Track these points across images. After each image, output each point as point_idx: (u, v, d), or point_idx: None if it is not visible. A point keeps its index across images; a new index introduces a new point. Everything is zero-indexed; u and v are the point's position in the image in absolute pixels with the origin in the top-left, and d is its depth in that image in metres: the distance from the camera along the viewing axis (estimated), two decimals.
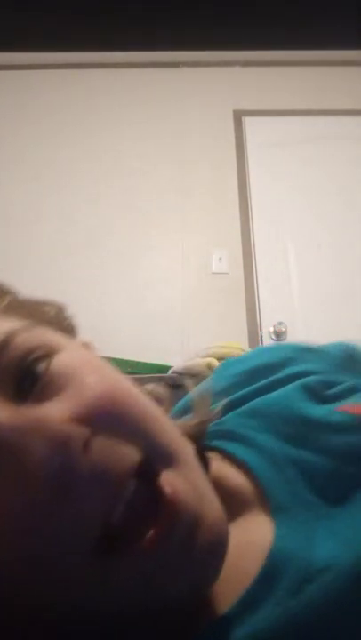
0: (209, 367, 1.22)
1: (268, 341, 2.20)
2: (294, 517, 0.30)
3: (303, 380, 0.38)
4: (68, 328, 0.36)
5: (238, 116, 2.71)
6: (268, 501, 0.32)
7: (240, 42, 2.70)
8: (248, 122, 2.69)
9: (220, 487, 0.31)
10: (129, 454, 0.26)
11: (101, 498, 0.25)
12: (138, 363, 1.41)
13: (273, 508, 0.31)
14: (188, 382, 0.41)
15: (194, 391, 0.41)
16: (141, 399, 0.30)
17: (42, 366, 0.28)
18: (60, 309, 0.37)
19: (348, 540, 0.28)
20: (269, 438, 0.35)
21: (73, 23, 2.51)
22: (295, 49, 2.73)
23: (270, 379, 0.40)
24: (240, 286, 2.37)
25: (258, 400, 0.38)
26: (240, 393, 0.40)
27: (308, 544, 0.28)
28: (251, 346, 2.10)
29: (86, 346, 0.36)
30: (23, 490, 0.24)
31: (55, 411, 0.26)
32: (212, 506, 0.28)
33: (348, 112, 2.67)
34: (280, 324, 2.25)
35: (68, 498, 0.24)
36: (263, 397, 0.38)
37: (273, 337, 2.22)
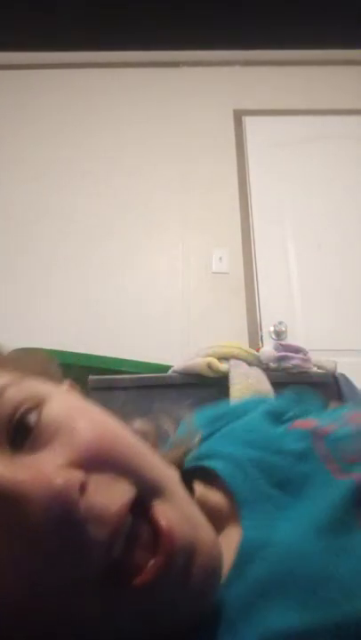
0: (209, 367, 1.22)
1: (268, 341, 2.20)
2: (257, 508, 0.34)
3: (265, 407, 0.44)
4: (53, 375, 0.38)
5: (238, 116, 2.70)
6: (234, 499, 0.35)
7: (240, 42, 2.69)
8: (248, 121, 2.69)
9: (204, 507, 0.34)
10: (123, 491, 0.28)
11: (102, 535, 0.26)
12: (138, 363, 1.41)
13: (239, 502, 0.35)
14: (166, 423, 0.45)
15: (178, 430, 0.46)
16: (128, 438, 0.32)
17: (32, 418, 0.30)
18: (44, 358, 0.40)
19: (300, 524, 0.32)
20: (234, 447, 0.40)
21: (73, 23, 2.51)
22: (295, 48, 2.73)
23: (237, 412, 0.47)
24: (240, 286, 2.37)
25: (228, 426, 0.44)
26: (213, 427, 0.45)
27: (269, 530, 0.32)
28: (251, 346, 2.10)
29: (71, 388, 0.38)
30: (27, 538, 0.26)
31: (49, 459, 0.28)
32: (205, 531, 0.30)
33: (348, 111, 2.67)
34: (280, 323, 2.25)
35: (70, 541, 0.26)
36: (232, 424, 0.44)
37: (273, 337, 2.22)
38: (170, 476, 0.32)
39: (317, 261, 2.40)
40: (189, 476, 0.39)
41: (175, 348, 2.07)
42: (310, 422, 0.40)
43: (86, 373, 1.22)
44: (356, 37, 2.62)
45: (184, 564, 0.28)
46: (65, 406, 0.32)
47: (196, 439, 0.43)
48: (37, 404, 0.31)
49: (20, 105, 2.73)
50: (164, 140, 2.66)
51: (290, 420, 0.43)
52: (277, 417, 0.43)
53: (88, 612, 0.27)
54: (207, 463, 0.39)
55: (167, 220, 2.51)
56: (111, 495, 0.28)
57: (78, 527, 0.26)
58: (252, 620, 0.28)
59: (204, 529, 0.30)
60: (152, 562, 0.27)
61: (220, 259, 2.41)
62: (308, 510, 0.33)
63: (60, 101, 2.74)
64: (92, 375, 1.22)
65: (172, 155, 2.62)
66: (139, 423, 0.42)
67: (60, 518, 0.25)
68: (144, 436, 0.37)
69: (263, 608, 0.28)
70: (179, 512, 0.29)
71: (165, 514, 0.28)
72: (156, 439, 0.42)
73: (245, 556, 0.31)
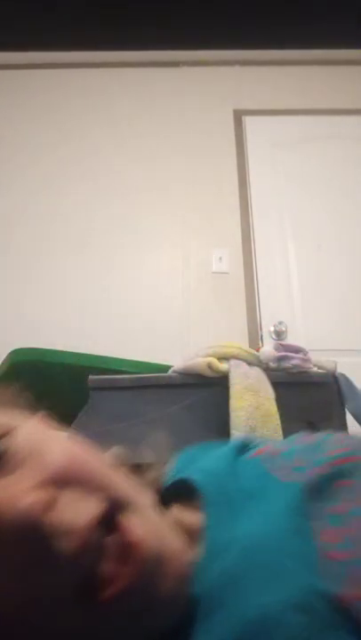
0: (209, 367, 1.22)
1: (268, 341, 2.20)
2: (223, 508, 0.37)
3: (234, 442, 0.49)
4: (24, 408, 0.40)
5: (239, 116, 2.71)
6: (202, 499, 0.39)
7: (240, 42, 2.69)
8: (248, 121, 2.69)
9: (181, 526, 0.37)
10: (92, 506, 0.30)
11: (71, 548, 0.28)
12: (138, 363, 1.41)
13: (206, 503, 0.38)
14: (146, 452, 0.48)
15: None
16: (96, 460, 0.35)
17: (1, 446, 0.32)
18: (15, 392, 0.42)
19: (259, 517, 0.35)
20: (206, 462, 0.44)
21: (73, 23, 2.51)
22: (295, 48, 2.73)
23: (211, 447, 0.51)
24: (240, 286, 2.37)
25: (203, 456, 0.49)
26: (191, 459, 0.49)
27: (231, 527, 0.35)
28: (251, 346, 2.10)
29: (42, 420, 0.40)
30: (3, 556, 0.28)
31: (19, 481, 0.30)
32: (173, 541, 0.33)
33: (348, 111, 2.67)
34: (280, 323, 2.25)
35: (42, 556, 0.28)
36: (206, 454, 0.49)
37: (273, 337, 2.22)
38: (136, 493, 0.35)
39: (317, 261, 2.40)
40: (168, 499, 0.41)
41: (175, 348, 2.07)
42: (268, 447, 0.46)
43: (86, 373, 1.22)
44: (357, 37, 2.62)
45: (153, 572, 0.29)
46: (35, 434, 0.34)
47: (171, 463, 0.47)
48: (7, 433, 0.33)
49: (19, 105, 2.73)
50: (164, 139, 2.66)
51: (253, 448, 0.47)
52: (243, 449, 0.48)
53: (70, 624, 0.28)
54: (182, 475, 0.43)
55: (167, 220, 2.51)
56: (80, 510, 0.29)
57: (47, 542, 0.27)
58: (226, 607, 0.30)
59: (171, 539, 0.33)
60: (122, 572, 0.28)
61: (220, 259, 2.42)
62: (264, 508, 0.36)
63: (59, 101, 2.74)
64: (92, 375, 1.22)
65: (172, 154, 2.62)
66: (115, 449, 0.44)
67: (29, 534, 0.27)
68: (119, 460, 0.40)
69: (234, 594, 0.31)
70: (146, 524, 0.31)
71: (133, 525, 0.30)
72: (132, 464, 0.45)
73: (211, 551, 0.34)
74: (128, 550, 0.29)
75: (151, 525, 0.32)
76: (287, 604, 0.29)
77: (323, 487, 0.36)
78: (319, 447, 0.41)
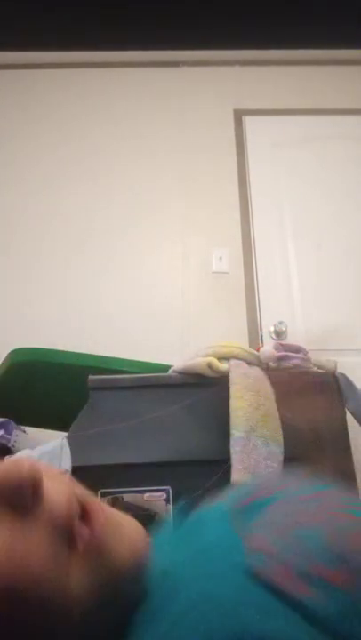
0: (209, 367, 1.22)
1: (268, 341, 2.20)
2: (175, 532, 0.46)
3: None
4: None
5: (239, 116, 2.70)
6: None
7: (240, 42, 2.69)
8: (248, 121, 2.69)
9: None
10: (67, 487, 0.40)
11: (64, 512, 0.37)
12: (138, 363, 1.41)
13: (162, 529, 0.47)
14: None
15: None
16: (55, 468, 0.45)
17: None
18: None
19: (190, 543, 0.43)
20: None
21: (73, 23, 2.51)
22: (295, 48, 2.73)
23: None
24: (240, 286, 2.37)
25: None
26: None
27: (172, 550, 0.42)
28: (251, 346, 2.10)
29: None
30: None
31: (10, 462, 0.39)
32: (129, 519, 0.43)
33: (348, 111, 2.67)
34: (280, 323, 2.25)
35: (40, 509, 0.36)
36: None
37: (273, 337, 2.21)
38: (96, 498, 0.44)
39: (317, 261, 2.40)
40: None
41: (175, 347, 2.07)
42: (212, 499, 0.53)
43: (86, 373, 1.22)
44: (357, 37, 2.62)
45: (113, 533, 0.39)
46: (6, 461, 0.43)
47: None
48: None
49: (19, 105, 2.73)
50: (164, 139, 2.66)
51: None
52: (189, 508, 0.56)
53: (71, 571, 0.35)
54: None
55: (167, 220, 2.51)
56: (60, 490, 0.39)
57: (42, 497, 0.36)
58: (169, 602, 0.35)
59: (129, 519, 0.42)
60: (90, 527, 0.38)
61: (220, 258, 2.41)
62: (203, 530, 0.45)
63: (60, 101, 2.74)
64: (91, 375, 1.22)
65: (173, 154, 2.62)
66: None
67: (35, 482, 0.36)
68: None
69: (175, 593, 0.36)
70: (106, 507, 0.41)
71: (97, 504, 0.40)
72: None
73: (156, 577, 0.39)
74: (92, 514, 0.38)
75: (110, 510, 0.42)
76: (218, 581, 0.35)
77: (249, 510, 0.44)
78: (250, 486, 0.51)
